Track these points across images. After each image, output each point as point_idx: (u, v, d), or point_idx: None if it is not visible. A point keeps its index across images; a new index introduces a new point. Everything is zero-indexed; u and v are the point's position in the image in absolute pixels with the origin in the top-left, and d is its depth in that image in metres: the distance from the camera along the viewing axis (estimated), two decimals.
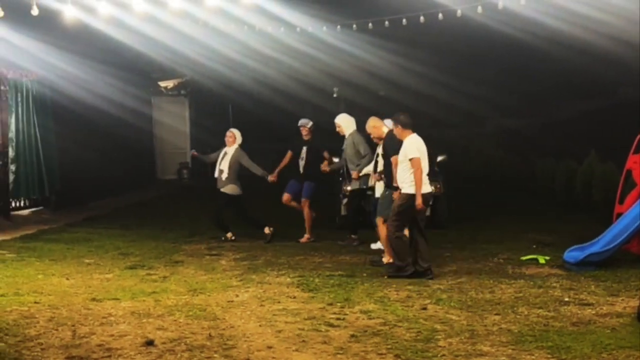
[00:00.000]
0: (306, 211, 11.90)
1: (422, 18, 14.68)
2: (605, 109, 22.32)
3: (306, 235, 11.89)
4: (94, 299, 7.75)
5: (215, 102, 24.59)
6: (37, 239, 12.07)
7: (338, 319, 6.99)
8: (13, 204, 14.39)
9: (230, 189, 11.78)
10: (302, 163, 11.88)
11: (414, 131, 9.15)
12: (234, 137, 11.94)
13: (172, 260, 10.22)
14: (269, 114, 24.86)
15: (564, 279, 8.71)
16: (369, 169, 10.98)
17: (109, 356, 5.94)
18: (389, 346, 6.12)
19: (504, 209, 15.73)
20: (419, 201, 8.82)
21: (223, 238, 11.91)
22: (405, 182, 8.91)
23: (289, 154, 12.15)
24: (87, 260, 10.16)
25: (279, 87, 24.25)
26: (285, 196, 11.99)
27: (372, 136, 10.35)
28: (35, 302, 7.56)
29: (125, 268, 9.60)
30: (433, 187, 12.84)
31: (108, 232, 12.55)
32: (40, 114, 14.52)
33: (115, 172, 17.90)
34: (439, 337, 6.38)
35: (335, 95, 27.89)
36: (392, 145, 9.43)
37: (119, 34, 14.99)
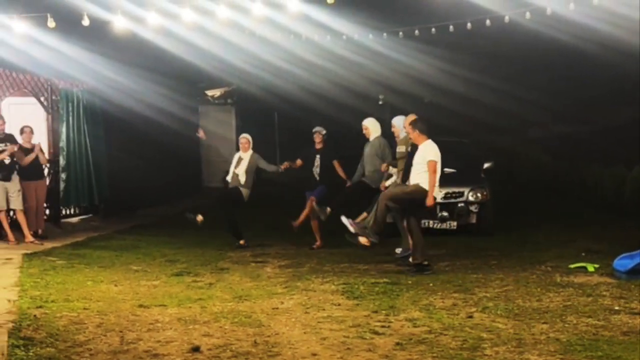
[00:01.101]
0: (309, 207, 11.99)
1: (469, 25, 14.63)
2: None
3: (296, 222, 12.13)
4: (141, 306, 7.83)
5: (261, 110, 24.73)
6: (87, 246, 12.27)
7: (383, 326, 6.95)
8: (63, 212, 14.67)
9: (245, 193, 12.03)
10: (317, 171, 12.07)
11: (429, 137, 9.71)
12: (249, 143, 12.20)
13: (217, 267, 10.31)
14: (315, 121, 24.90)
15: (613, 287, 8.55)
16: (393, 170, 11.29)
17: None
18: (434, 354, 6.07)
19: (552, 215, 15.52)
20: (430, 201, 9.54)
21: (237, 244, 12.08)
22: (421, 182, 9.55)
23: (299, 161, 12.32)
24: (134, 267, 10.29)
25: (324, 94, 24.30)
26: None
27: (405, 130, 10.65)
28: (85, 308, 7.67)
29: (172, 275, 9.70)
30: (480, 194, 12.97)
31: (155, 240, 12.69)
32: (90, 123, 14.74)
33: (162, 180, 18.09)
34: (485, 345, 6.30)
35: (380, 102, 27.83)
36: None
37: (167, 43, 15.17)
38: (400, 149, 10.86)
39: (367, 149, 11.85)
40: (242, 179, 11.99)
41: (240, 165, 12.05)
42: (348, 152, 12.71)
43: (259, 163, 12.16)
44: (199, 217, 12.10)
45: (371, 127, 11.87)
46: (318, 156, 12.10)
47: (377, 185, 11.53)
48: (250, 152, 12.16)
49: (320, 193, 11.99)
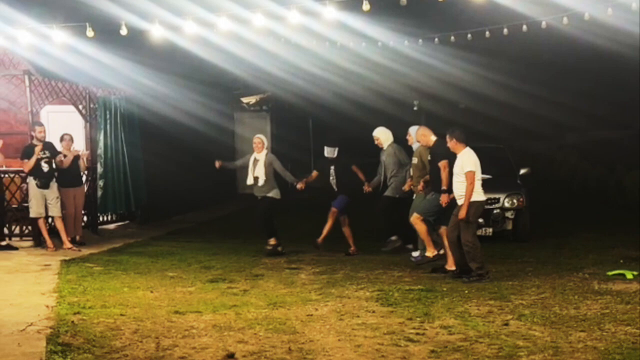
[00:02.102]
0: (330, 222, 12.10)
1: (505, 30, 14.58)
2: None
3: (320, 239, 12.12)
4: (177, 312, 7.89)
5: (296, 117, 24.80)
6: (123, 252, 12.39)
7: (418, 334, 6.93)
8: (100, 218, 14.80)
9: (274, 193, 11.98)
10: (334, 182, 12.08)
11: (466, 145, 9.73)
12: (263, 143, 12.08)
13: (252, 274, 10.34)
14: (349, 127, 24.88)
15: None
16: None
17: None
18: None
19: (589, 222, 15.33)
20: (463, 213, 9.41)
21: (268, 247, 11.97)
22: (465, 193, 9.53)
23: (315, 173, 12.37)
24: (170, 274, 10.37)
25: (359, 100, 24.30)
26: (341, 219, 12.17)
27: (420, 143, 10.87)
28: (121, 315, 7.75)
29: (207, 281, 9.75)
30: (516, 201, 12.88)
31: (191, 246, 12.76)
32: (127, 130, 14.84)
33: (198, 186, 18.20)
34: (522, 353, 6.24)
35: (415, 108, 27.73)
36: (442, 151, 10.16)
37: (204, 51, 15.30)
38: (413, 160, 11.03)
39: (384, 159, 11.96)
40: (262, 182, 11.87)
41: (257, 167, 11.94)
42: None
43: (275, 164, 12.02)
44: (272, 241, 12.06)
45: (382, 137, 12.05)
46: (332, 167, 12.10)
47: (402, 195, 11.68)
48: (264, 152, 12.02)
49: (342, 203, 12.04)
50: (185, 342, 6.70)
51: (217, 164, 12.39)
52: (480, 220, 12.76)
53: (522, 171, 14.06)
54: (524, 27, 14.31)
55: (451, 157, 9.96)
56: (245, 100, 23.45)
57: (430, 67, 20.87)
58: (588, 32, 15.33)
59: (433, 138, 10.62)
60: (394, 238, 11.79)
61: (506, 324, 7.24)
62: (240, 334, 7.00)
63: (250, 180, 12.05)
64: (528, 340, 6.63)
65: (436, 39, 16.53)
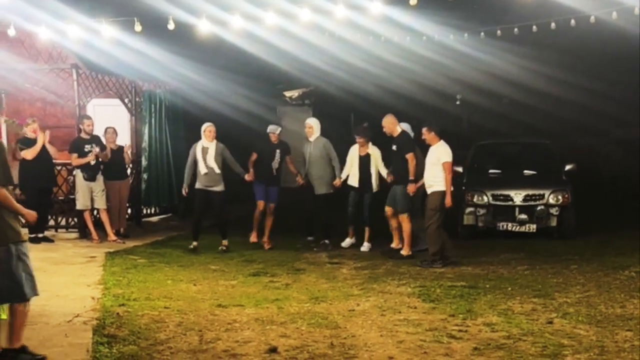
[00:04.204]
0: (271, 218, 12.39)
1: (553, 24, 14.41)
2: None
3: (265, 238, 12.35)
4: (219, 305, 7.95)
5: (338, 109, 24.73)
6: (167, 245, 12.53)
7: (460, 330, 6.90)
8: (144, 211, 14.97)
9: (222, 186, 11.97)
10: (275, 166, 12.29)
11: (441, 139, 10.40)
12: (214, 132, 11.90)
13: (294, 268, 10.38)
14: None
15: None
16: (345, 172, 12.08)
17: None
18: None
19: (635, 219, 15.03)
20: (448, 200, 10.17)
21: (191, 246, 11.86)
22: (439, 182, 10.24)
23: (254, 155, 12.44)
24: (213, 267, 10.46)
25: (402, 93, 24.10)
26: (261, 204, 12.44)
27: (384, 130, 11.33)
28: (165, 307, 7.84)
29: (249, 275, 9.82)
30: (561, 197, 12.70)
31: (232, 239, 12.76)
32: (172, 124, 14.98)
33: (239, 180, 18.23)
34: (567, 352, 6.18)
35: (458, 103, 27.48)
36: (407, 144, 10.95)
37: (249, 45, 15.33)
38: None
39: (312, 150, 12.20)
40: (218, 171, 11.77)
41: (208, 156, 11.70)
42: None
43: (225, 154, 11.87)
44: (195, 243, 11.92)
45: (315, 127, 12.32)
46: (278, 150, 12.23)
47: (330, 190, 12.15)
48: (215, 141, 11.82)
49: (277, 196, 12.38)
50: (228, 336, 6.76)
51: (184, 192, 12.20)
52: (524, 216, 12.67)
53: (568, 167, 13.86)
54: (572, 22, 14.10)
55: (415, 149, 10.71)
56: (287, 94, 23.49)
57: (475, 60, 20.65)
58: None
59: (399, 129, 11.18)
60: (327, 242, 12.10)
61: (550, 322, 7.17)
62: (283, 328, 7.04)
63: (204, 170, 11.72)
64: (573, 339, 6.56)
65: (482, 33, 16.39)
